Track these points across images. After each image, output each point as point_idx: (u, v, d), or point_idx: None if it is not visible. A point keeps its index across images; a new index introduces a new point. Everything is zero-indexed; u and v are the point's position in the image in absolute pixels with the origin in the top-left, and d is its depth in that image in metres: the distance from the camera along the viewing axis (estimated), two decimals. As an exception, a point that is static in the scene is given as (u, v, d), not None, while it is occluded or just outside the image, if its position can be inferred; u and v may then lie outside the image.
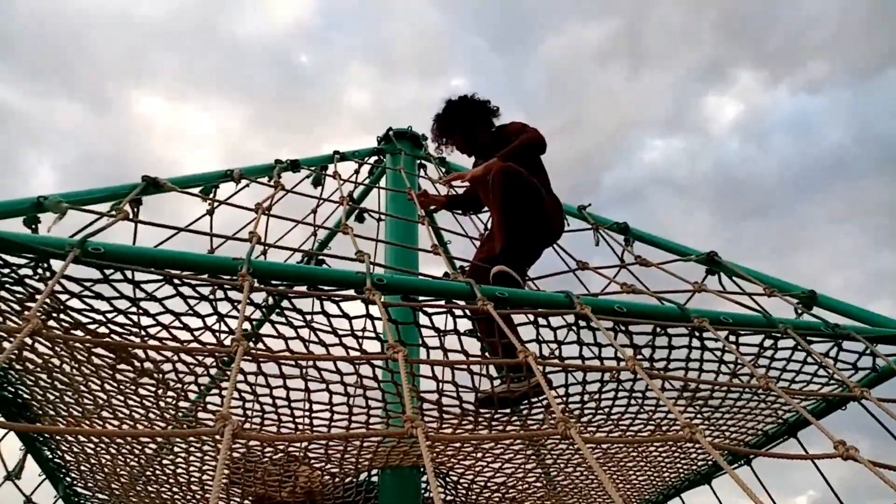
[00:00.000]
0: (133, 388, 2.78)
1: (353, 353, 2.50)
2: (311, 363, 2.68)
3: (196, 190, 3.29)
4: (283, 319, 2.54)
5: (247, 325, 2.52)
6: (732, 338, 2.91)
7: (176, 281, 2.30)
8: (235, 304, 2.36)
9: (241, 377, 2.76)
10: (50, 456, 3.43)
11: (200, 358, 2.59)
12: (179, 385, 2.76)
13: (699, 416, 3.51)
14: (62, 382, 2.74)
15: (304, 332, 2.55)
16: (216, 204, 3.33)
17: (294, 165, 4.07)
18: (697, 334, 2.78)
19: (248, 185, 3.59)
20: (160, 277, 2.29)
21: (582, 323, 2.67)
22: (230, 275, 2.30)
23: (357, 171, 4.89)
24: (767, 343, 2.96)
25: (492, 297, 2.51)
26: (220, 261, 2.33)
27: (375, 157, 5.15)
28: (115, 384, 2.75)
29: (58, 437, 3.25)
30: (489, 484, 4.24)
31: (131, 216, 2.90)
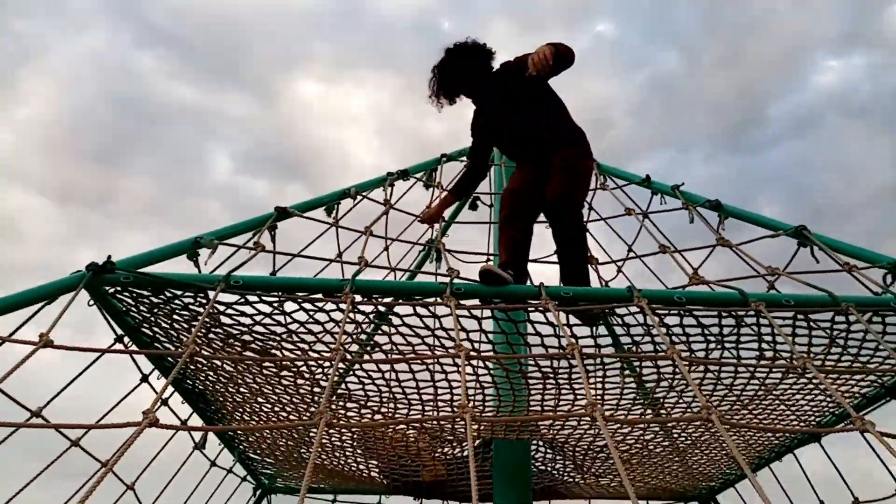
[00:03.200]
0: (276, 378, 3.48)
1: (430, 351, 3.01)
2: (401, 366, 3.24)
3: (317, 213, 3.91)
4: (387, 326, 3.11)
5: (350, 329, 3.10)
6: (800, 317, 3.09)
7: (297, 301, 2.94)
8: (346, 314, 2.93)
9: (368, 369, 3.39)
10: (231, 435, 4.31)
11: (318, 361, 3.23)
12: (310, 376, 3.43)
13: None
14: (224, 376, 3.51)
15: (402, 333, 3.11)
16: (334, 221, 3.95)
17: (403, 174, 4.61)
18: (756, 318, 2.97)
19: (361, 201, 4.18)
20: (287, 297, 2.93)
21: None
22: (339, 291, 2.89)
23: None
24: (839, 319, 3.10)
25: (556, 297, 2.91)
26: (328, 283, 2.92)
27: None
28: (263, 377, 3.48)
29: (229, 417, 4.08)
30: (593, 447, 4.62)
31: (270, 240, 3.60)
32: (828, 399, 3.78)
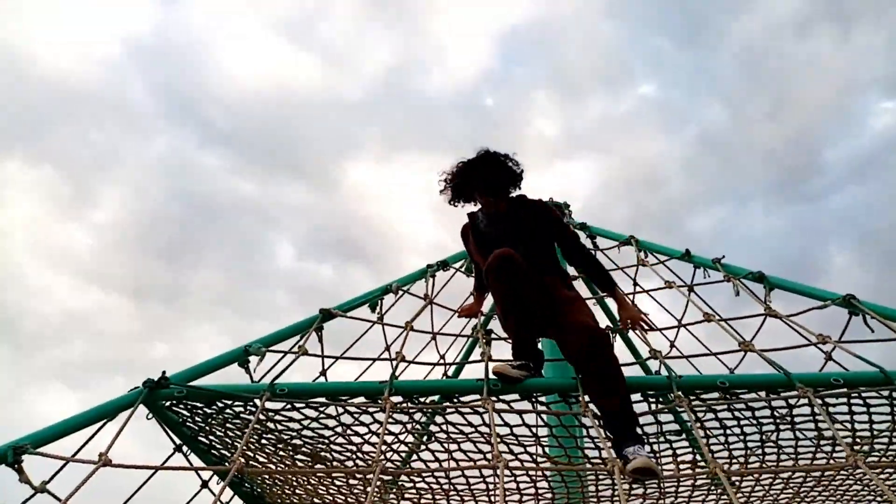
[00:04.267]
0: (329, 479, 3.55)
1: (475, 450, 3.03)
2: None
3: (362, 311, 4.04)
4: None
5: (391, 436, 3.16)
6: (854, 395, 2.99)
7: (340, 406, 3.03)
8: (385, 424, 3.00)
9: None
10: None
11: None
12: (362, 476, 3.48)
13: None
14: (280, 479, 3.60)
15: (447, 433, 3.15)
16: (377, 319, 4.07)
17: (443, 265, 4.74)
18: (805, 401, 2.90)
19: (402, 296, 4.30)
20: (330, 402, 3.03)
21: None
22: (379, 394, 2.98)
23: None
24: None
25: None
26: (367, 386, 3.01)
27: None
28: (317, 478, 3.55)
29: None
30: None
31: (318, 341, 3.74)
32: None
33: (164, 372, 3.02)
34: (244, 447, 2.72)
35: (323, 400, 3.04)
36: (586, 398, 2.89)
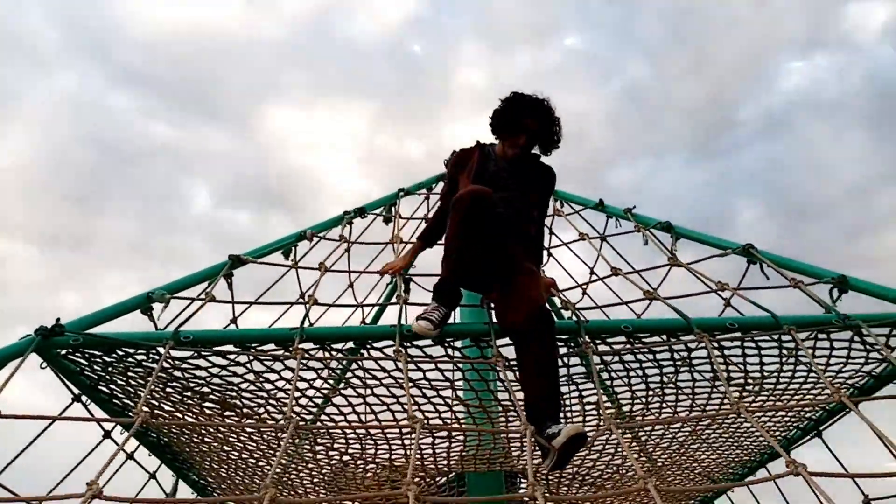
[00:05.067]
0: (240, 428, 3.49)
1: (377, 408, 3.05)
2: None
3: (273, 257, 3.94)
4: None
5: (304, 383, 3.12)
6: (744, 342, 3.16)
7: (248, 355, 2.96)
8: (296, 372, 2.95)
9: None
10: (196, 479, 4.29)
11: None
12: (275, 424, 3.45)
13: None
14: (188, 429, 3.51)
15: (361, 379, 3.14)
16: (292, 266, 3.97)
17: (360, 212, 4.66)
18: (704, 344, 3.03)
19: (318, 242, 4.21)
20: (238, 350, 2.96)
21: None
22: (289, 341, 2.92)
23: (427, 198, 5.41)
24: (787, 339, 3.17)
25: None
26: (277, 332, 2.95)
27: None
28: (227, 427, 3.49)
29: (198, 468, 4.07)
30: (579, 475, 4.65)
31: (227, 288, 3.63)
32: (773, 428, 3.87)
33: (58, 319, 2.86)
34: (147, 397, 2.62)
35: (231, 348, 2.97)
36: (498, 344, 2.93)
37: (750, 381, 3.35)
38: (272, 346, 2.99)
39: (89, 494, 2.05)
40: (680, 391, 3.44)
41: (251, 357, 2.94)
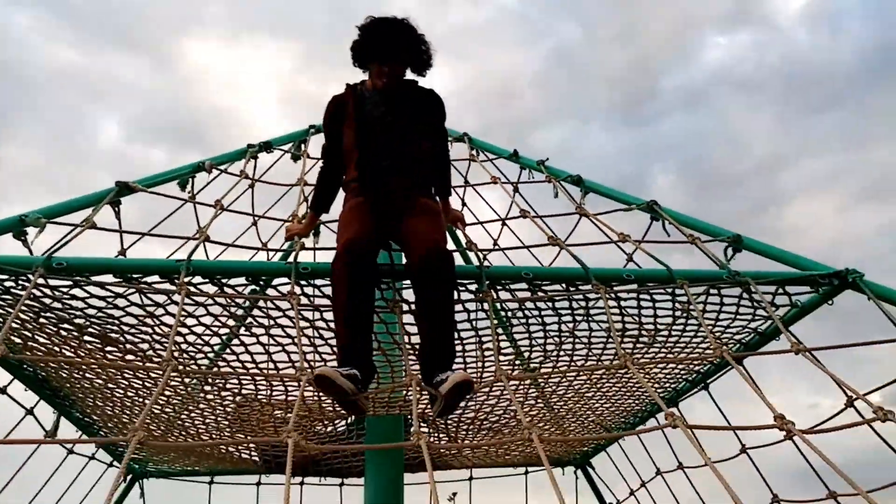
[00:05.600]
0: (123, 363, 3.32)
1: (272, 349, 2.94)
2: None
3: (167, 188, 3.71)
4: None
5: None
6: (641, 295, 3.22)
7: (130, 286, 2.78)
8: (181, 308, 2.79)
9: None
10: (79, 417, 4.08)
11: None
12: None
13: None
14: (66, 364, 3.31)
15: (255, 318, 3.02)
16: (189, 198, 3.75)
17: (266, 146, 4.45)
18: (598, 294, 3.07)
19: (219, 175, 3.99)
20: (118, 282, 2.77)
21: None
22: (174, 273, 2.76)
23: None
24: (679, 293, 3.24)
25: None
26: (161, 263, 2.78)
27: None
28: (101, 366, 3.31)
29: (81, 404, 3.86)
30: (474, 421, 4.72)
31: (112, 219, 3.39)
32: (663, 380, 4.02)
33: None
34: (8, 329, 2.42)
35: (110, 279, 2.78)
36: (397, 287, 2.86)
37: (644, 333, 3.43)
38: (155, 278, 2.82)
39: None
40: (577, 341, 3.49)
41: (132, 289, 2.76)
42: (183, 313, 2.67)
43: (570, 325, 3.37)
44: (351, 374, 2.41)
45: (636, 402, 4.75)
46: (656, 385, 4.26)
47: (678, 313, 3.33)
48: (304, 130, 4.86)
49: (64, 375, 3.48)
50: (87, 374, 3.44)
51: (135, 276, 2.78)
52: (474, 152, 4.99)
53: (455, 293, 2.78)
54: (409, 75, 3.16)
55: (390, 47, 2.99)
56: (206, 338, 3.19)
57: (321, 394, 2.41)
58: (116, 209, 3.44)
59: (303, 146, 4.73)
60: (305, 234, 3.37)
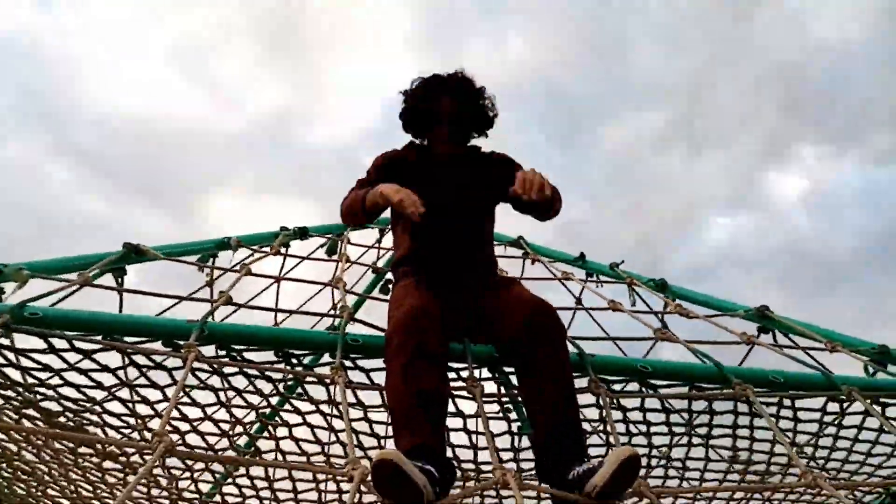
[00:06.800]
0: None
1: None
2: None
3: (190, 258, 3.09)
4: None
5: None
6: (787, 401, 2.47)
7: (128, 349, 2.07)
8: (182, 381, 2.07)
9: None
10: None
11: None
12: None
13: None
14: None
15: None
16: (216, 274, 3.11)
17: (302, 233, 3.87)
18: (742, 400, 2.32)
19: (251, 255, 3.39)
20: (106, 344, 2.06)
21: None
22: (182, 337, 2.06)
23: (380, 239, 4.66)
24: (831, 408, 2.49)
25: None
26: (166, 324, 2.08)
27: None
28: (81, 471, 2.50)
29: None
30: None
31: (115, 283, 2.74)
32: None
33: None
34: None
35: (99, 340, 2.08)
36: (475, 367, 2.13)
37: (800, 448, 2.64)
38: (158, 345, 2.12)
39: None
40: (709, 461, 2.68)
41: (125, 360, 2.05)
42: (186, 378, 1.91)
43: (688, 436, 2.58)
44: (426, 469, 1.62)
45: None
46: None
47: (827, 429, 2.56)
48: (343, 225, 4.29)
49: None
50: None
51: (132, 338, 2.09)
52: (532, 254, 4.38)
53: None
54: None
55: (447, 104, 2.42)
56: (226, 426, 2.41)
57: (380, 499, 1.57)
58: (120, 277, 2.81)
59: (340, 238, 4.15)
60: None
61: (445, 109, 2.42)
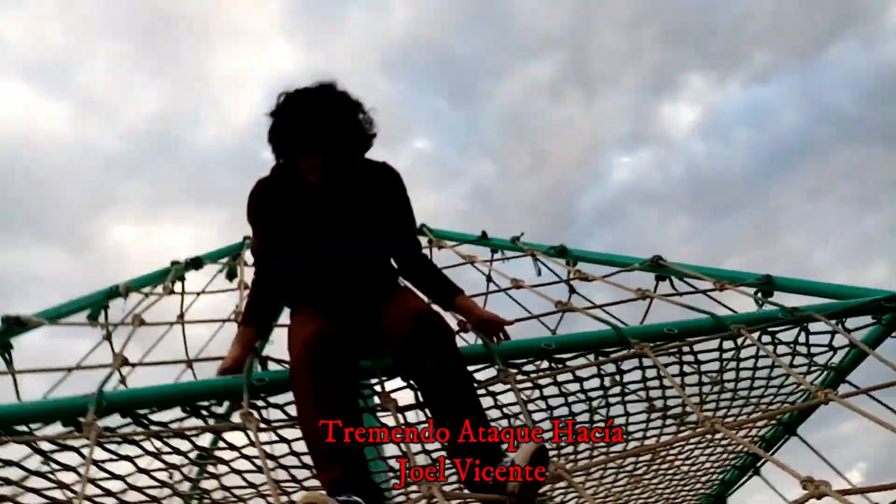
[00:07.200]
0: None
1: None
2: None
3: (74, 318, 2.94)
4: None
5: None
6: (686, 349, 2.62)
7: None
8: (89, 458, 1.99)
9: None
10: None
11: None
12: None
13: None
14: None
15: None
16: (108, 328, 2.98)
17: (196, 263, 3.75)
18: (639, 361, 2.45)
19: (145, 297, 3.26)
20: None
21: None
22: (80, 413, 1.97)
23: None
24: (727, 346, 2.66)
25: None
26: (67, 403, 1.99)
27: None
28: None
29: None
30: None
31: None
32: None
33: None
34: None
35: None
36: (385, 381, 2.14)
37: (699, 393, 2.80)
38: (58, 428, 2.02)
39: None
40: (611, 418, 2.82)
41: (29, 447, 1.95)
42: (92, 464, 1.85)
43: (601, 400, 2.70)
44: (351, 501, 1.65)
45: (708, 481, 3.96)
46: (733, 455, 3.53)
47: (729, 365, 2.73)
48: (240, 244, 4.19)
49: None
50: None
51: (21, 427, 1.98)
52: (436, 241, 4.42)
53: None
54: None
55: (315, 133, 2.15)
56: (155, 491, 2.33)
57: None
58: (7, 355, 2.65)
59: (238, 259, 4.04)
60: (241, 362, 2.24)
61: (315, 140, 2.15)
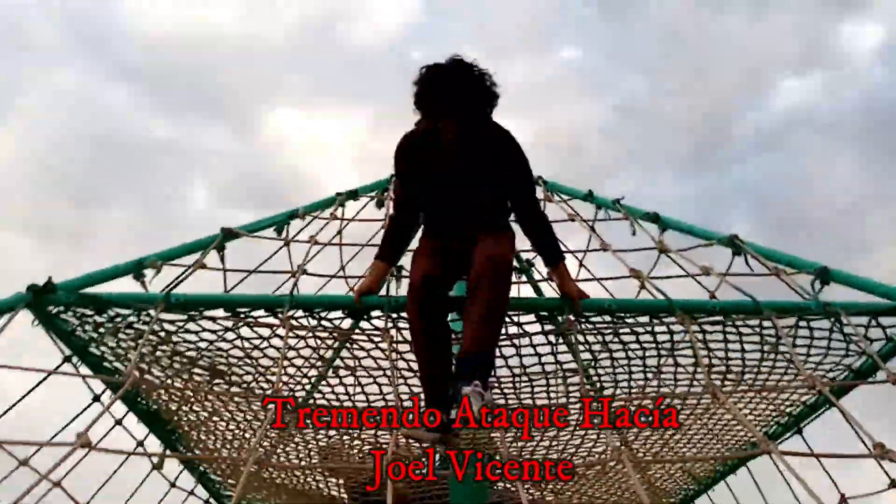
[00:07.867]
0: (227, 397, 3.55)
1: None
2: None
3: (265, 233, 3.99)
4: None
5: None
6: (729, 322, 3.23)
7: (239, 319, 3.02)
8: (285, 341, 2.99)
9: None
10: (183, 451, 4.32)
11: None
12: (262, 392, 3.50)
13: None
14: (177, 396, 3.56)
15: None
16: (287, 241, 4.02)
17: (353, 195, 4.71)
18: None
19: (311, 221, 4.27)
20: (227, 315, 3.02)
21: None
22: (278, 306, 2.98)
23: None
24: (766, 324, 3.21)
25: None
26: (266, 298, 3.02)
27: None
28: (214, 395, 3.54)
29: (186, 438, 4.11)
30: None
31: (218, 261, 3.67)
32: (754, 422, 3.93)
33: (49, 278, 2.90)
34: (137, 360, 2.68)
35: (221, 312, 3.03)
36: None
37: (732, 369, 3.41)
38: (262, 312, 3.05)
39: (78, 443, 2.11)
40: (661, 382, 3.50)
41: (240, 323, 2.99)
42: (287, 346, 2.87)
43: (655, 362, 3.39)
44: (432, 436, 2.67)
45: (724, 446, 4.62)
46: (745, 430, 4.16)
47: (766, 348, 3.30)
48: (387, 178, 5.10)
49: (173, 408, 3.73)
50: (195, 407, 3.68)
51: (243, 310, 3.02)
52: (549, 194, 5.11)
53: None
54: None
55: (449, 101, 2.86)
56: (305, 370, 3.38)
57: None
58: (221, 253, 3.73)
59: (386, 193, 4.97)
60: (375, 289, 3.12)
61: (450, 107, 2.88)
